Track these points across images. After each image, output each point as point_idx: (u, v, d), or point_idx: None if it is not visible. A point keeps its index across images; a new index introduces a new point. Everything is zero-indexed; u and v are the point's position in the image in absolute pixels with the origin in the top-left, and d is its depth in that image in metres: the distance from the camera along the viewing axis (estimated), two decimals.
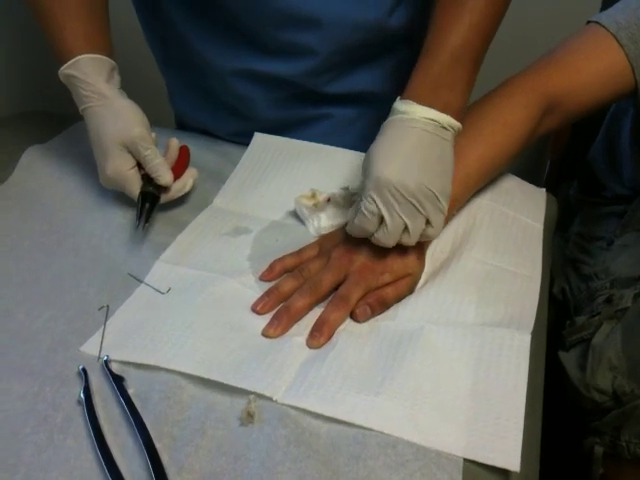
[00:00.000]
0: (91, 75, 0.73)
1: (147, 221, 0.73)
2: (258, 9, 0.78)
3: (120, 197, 0.78)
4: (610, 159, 1.06)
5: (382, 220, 0.63)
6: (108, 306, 0.63)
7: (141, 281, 0.67)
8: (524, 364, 0.57)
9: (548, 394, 0.64)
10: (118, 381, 0.55)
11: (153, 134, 0.76)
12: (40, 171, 0.84)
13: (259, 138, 0.89)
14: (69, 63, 0.73)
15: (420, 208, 0.62)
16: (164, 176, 0.74)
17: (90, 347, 0.59)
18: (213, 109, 0.93)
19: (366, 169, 0.64)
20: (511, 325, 0.61)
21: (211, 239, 0.73)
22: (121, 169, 0.73)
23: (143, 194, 0.74)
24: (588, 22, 0.76)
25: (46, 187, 0.82)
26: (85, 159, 0.84)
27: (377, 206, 0.62)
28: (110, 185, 0.75)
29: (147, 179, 0.75)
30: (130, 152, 0.73)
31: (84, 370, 0.56)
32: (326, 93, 0.88)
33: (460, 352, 0.58)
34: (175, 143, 0.80)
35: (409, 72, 0.68)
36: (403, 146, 0.63)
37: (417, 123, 0.63)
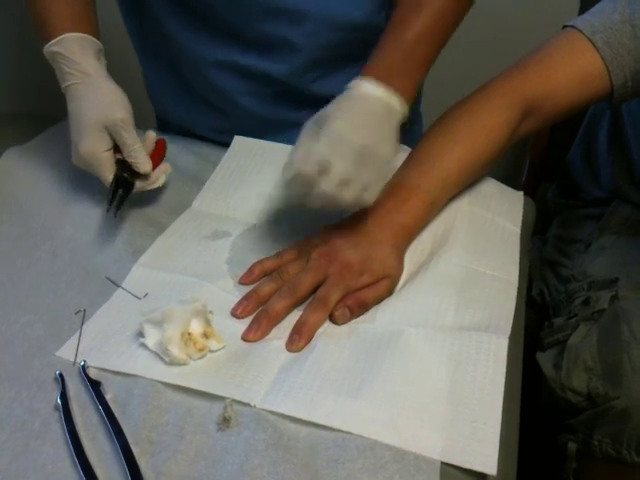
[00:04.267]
0: (77, 54, 0.73)
1: (119, 208, 0.72)
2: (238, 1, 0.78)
3: (99, 200, 0.77)
4: (588, 162, 1.07)
5: (323, 169, 0.62)
6: (85, 310, 0.63)
7: (118, 285, 0.66)
8: (501, 368, 0.57)
9: (526, 391, 0.64)
10: (95, 386, 0.55)
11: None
12: (18, 173, 0.83)
13: (239, 141, 0.89)
14: (55, 40, 0.73)
15: (361, 162, 0.63)
16: (144, 164, 0.73)
17: (66, 352, 0.59)
18: (191, 102, 0.93)
19: (321, 120, 0.65)
20: (489, 329, 0.61)
21: (190, 242, 0.73)
22: (96, 150, 0.72)
23: (117, 178, 0.72)
24: (564, 27, 0.77)
25: (24, 190, 0.81)
26: (63, 161, 0.83)
27: (324, 150, 0.62)
28: (82, 165, 0.74)
29: (121, 165, 0.73)
30: (109, 134, 0.72)
31: (61, 375, 0.56)
32: (309, 94, 0.88)
33: (438, 356, 0.58)
34: (152, 135, 0.79)
35: None
36: (354, 110, 0.66)
37: (367, 96, 0.66)
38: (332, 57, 0.85)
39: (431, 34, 0.72)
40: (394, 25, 0.73)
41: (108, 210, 0.72)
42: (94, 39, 0.75)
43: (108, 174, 0.73)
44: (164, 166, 0.78)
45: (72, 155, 0.74)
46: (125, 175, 0.73)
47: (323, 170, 0.62)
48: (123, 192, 0.72)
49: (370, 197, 0.65)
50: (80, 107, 0.72)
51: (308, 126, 0.66)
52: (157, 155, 0.78)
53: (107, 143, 0.73)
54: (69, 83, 0.73)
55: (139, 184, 0.75)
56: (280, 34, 0.81)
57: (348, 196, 0.63)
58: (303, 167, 0.63)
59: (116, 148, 0.74)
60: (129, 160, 0.73)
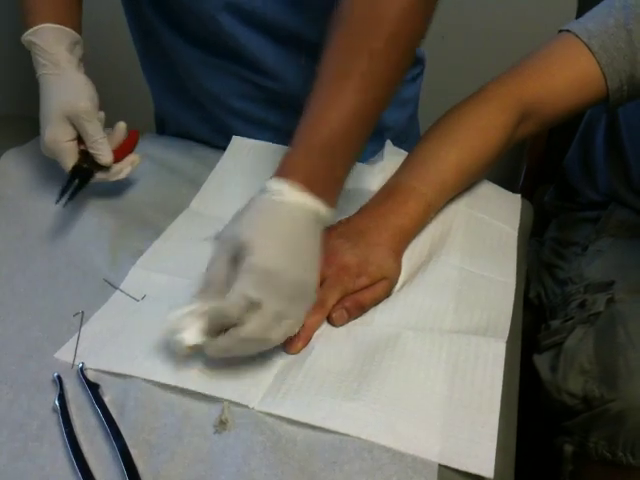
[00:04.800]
0: (51, 44, 0.74)
1: (71, 198, 0.72)
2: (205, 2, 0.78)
3: (96, 201, 0.77)
4: (585, 166, 1.08)
5: (252, 308, 0.53)
6: (83, 312, 0.63)
7: (116, 287, 0.66)
8: (499, 372, 0.57)
9: (522, 393, 0.65)
10: (93, 388, 0.55)
11: (102, 113, 0.75)
12: (15, 175, 0.83)
13: (237, 141, 0.89)
14: (31, 30, 0.74)
15: (295, 297, 0.55)
16: (105, 155, 0.73)
17: (64, 354, 0.59)
18: (188, 104, 0.93)
19: (242, 250, 0.55)
20: (487, 333, 0.61)
21: (188, 244, 0.73)
22: (59, 139, 0.73)
23: (75, 168, 0.73)
24: (560, 31, 0.77)
25: (21, 191, 0.81)
26: None
27: (251, 290, 0.53)
28: (47, 153, 0.75)
29: (85, 156, 0.74)
30: (72, 124, 0.73)
31: (59, 377, 0.56)
32: (303, 100, 0.88)
33: (436, 359, 0.58)
34: (122, 126, 0.79)
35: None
36: (279, 231, 0.56)
37: (291, 207, 0.57)
38: (314, 65, 0.85)
39: (358, 119, 0.61)
40: (316, 106, 0.62)
41: (57, 202, 0.72)
42: (70, 30, 0.76)
43: (69, 163, 0.73)
44: (131, 158, 0.78)
45: (40, 144, 0.75)
46: (84, 165, 0.73)
47: (250, 310, 0.53)
48: (79, 182, 0.73)
49: (297, 327, 0.58)
50: (47, 97, 0.73)
51: (218, 248, 0.57)
52: (126, 146, 0.78)
53: (70, 133, 0.73)
54: (41, 73, 0.74)
55: (100, 175, 0.75)
56: (252, 41, 0.82)
57: (276, 335, 0.55)
58: (227, 308, 0.54)
59: (82, 139, 0.74)
60: (90, 151, 0.73)
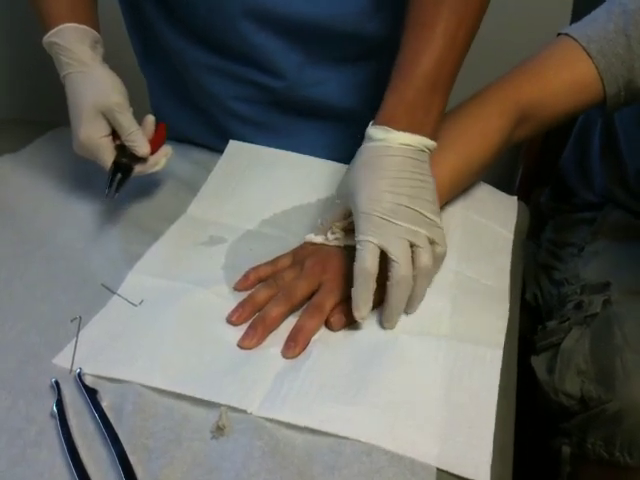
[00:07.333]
0: (74, 43, 0.74)
1: (117, 191, 0.72)
2: (225, 9, 0.79)
3: (94, 206, 0.77)
4: (580, 167, 1.08)
5: (383, 256, 0.60)
6: (80, 317, 0.63)
7: (114, 292, 0.66)
8: (495, 377, 0.58)
9: (519, 395, 0.65)
10: (91, 393, 0.55)
11: (131, 109, 0.75)
12: (12, 180, 0.83)
13: (234, 145, 0.89)
14: (53, 31, 0.74)
15: (418, 229, 0.61)
16: (141, 146, 0.73)
17: (62, 359, 0.59)
18: (189, 109, 0.93)
19: (351, 201, 0.63)
20: (483, 338, 0.61)
21: (185, 249, 0.73)
22: (94, 135, 0.72)
23: (116, 164, 0.73)
24: (559, 34, 0.78)
25: (18, 196, 0.81)
26: (58, 168, 0.83)
27: (373, 241, 0.60)
28: (82, 152, 0.74)
29: (121, 150, 0.74)
30: (106, 119, 0.73)
31: (57, 383, 0.56)
32: (302, 100, 0.88)
33: (434, 364, 0.58)
34: (151, 119, 0.78)
35: (378, 89, 0.69)
36: (386, 178, 0.62)
37: (396, 151, 0.64)
38: (321, 64, 0.86)
39: (450, 55, 0.68)
40: (408, 54, 0.69)
41: (107, 195, 0.72)
42: (90, 29, 0.76)
43: (108, 159, 0.73)
44: (165, 149, 0.78)
45: (73, 144, 0.75)
46: (124, 160, 0.73)
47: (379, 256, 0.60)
48: (122, 176, 0.73)
49: (442, 249, 0.63)
50: (77, 95, 0.73)
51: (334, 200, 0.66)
52: (158, 139, 0.78)
53: (104, 128, 0.73)
54: (66, 72, 0.74)
55: (139, 168, 0.75)
56: (265, 42, 0.82)
57: (427, 260, 0.61)
58: (359, 264, 0.60)
59: (116, 134, 0.74)
60: (127, 143, 0.73)
